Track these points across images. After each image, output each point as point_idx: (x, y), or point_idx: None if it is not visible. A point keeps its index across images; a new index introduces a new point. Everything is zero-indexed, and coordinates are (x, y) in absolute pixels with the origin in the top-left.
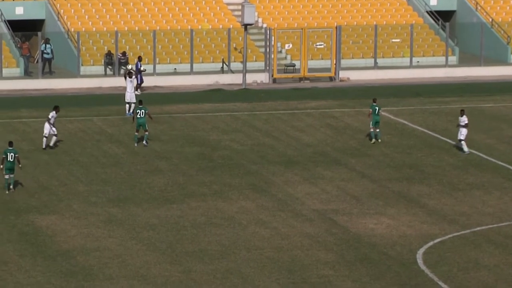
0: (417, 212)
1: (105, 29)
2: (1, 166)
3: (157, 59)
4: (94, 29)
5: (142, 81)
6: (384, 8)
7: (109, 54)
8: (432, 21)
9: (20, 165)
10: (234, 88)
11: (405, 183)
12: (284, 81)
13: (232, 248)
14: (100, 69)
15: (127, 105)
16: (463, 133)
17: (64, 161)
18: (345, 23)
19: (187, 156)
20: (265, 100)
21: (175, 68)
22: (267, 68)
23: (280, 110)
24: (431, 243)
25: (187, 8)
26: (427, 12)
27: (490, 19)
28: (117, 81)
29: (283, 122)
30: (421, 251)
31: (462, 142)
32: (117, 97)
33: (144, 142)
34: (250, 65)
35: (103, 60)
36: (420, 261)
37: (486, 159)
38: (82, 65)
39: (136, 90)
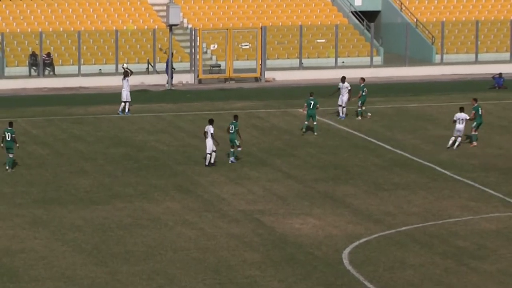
0: (343, 212)
1: (29, 30)
2: (2, 145)
3: (82, 60)
4: (18, 30)
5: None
6: (309, 8)
7: (33, 55)
8: (357, 22)
9: (17, 145)
10: (160, 89)
11: (331, 183)
12: (209, 81)
13: (158, 249)
14: (24, 70)
15: (123, 104)
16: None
17: None
18: (270, 24)
19: (113, 157)
20: (191, 101)
21: (100, 69)
22: (193, 68)
23: (206, 110)
24: (356, 243)
25: (112, 9)
26: (352, 12)
27: (415, 20)
28: (42, 82)
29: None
30: (347, 251)
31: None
32: (42, 98)
33: (231, 158)
34: (175, 65)
35: (27, 61)
36: (346, 261)
37: (411, 159)
38: (6, 66)
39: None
